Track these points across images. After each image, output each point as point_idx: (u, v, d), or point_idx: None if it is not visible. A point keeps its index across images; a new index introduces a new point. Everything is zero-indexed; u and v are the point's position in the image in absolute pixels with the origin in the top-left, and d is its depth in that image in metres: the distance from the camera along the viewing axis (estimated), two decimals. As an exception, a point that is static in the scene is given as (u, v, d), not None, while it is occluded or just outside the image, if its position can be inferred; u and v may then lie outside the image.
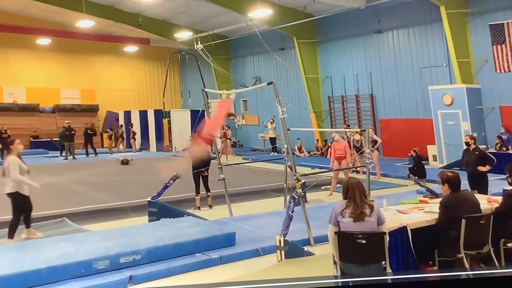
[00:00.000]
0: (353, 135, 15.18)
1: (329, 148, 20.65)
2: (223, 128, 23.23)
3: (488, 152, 10.69)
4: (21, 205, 8.42)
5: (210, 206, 11.16)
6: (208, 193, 11.23)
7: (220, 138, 21.73)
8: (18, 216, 8.44)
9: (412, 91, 19.28)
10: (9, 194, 8.32)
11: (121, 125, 26.67)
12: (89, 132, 23.25)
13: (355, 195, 5.00)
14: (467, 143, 9.92)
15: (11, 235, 8.37)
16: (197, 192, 11.18)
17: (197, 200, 11.21)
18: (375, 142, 14.86)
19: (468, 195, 5.89)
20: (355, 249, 4.94)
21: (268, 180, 13.96)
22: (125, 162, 19.67)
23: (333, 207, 5.18)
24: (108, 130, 26.48)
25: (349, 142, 14.60)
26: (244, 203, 11.62)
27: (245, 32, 23.38)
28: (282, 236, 6.94)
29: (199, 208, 11.11)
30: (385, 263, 4.95)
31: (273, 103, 9.39)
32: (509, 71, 15.87)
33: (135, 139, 25.69)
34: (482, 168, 9.40)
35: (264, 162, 17.98)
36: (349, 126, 19.96)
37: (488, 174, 9.63)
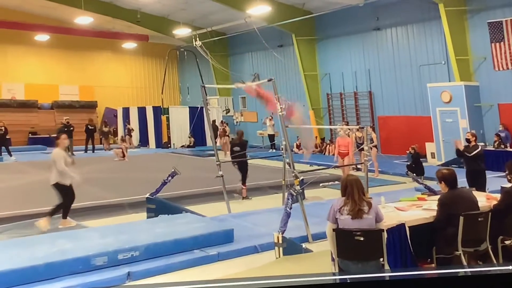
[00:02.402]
0: (354, 133, 15.17)
1: (327, 146, 20.78)
2: (223, 123, 23.25)
3: (486, 150, 10.76)
4: (65, 194, 9.00)
5: (244, 197, 11.55)
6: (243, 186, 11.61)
7: (219, 134, 21.73)
8: (67, 200, 9.02)
9: (410, 89, 19.27)
10: (53, 185, 8.97)
11: (105, 121, 26.36)
12: (90, 127, 23.22)
13: (354, 192, 5.01)
14: (467, 140, 9.95)
15: (64, 215, 9.13)
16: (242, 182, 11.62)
17: (243, 191, 11.63)
18: (372, 139, 14.87)
19: (466, 193, 5.90)
20: (353, 246, 4.94)
21: (267, 177, 13.94)
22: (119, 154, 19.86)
23: (332, 204, 5.19)
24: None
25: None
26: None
27: (244, 29, 23.28)
28: (280, 233, 6.94)
29: (246, 197, 11.55)
30: (383, 260, 4.97)
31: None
32: (508, 68, 15.85)
33: (131, 136, 25.63)
34: (458, 143, 9.87)
35: (262, 159, 17.97)
36: (347, 123, 19.95)
37: (486, 171, 9.66)
